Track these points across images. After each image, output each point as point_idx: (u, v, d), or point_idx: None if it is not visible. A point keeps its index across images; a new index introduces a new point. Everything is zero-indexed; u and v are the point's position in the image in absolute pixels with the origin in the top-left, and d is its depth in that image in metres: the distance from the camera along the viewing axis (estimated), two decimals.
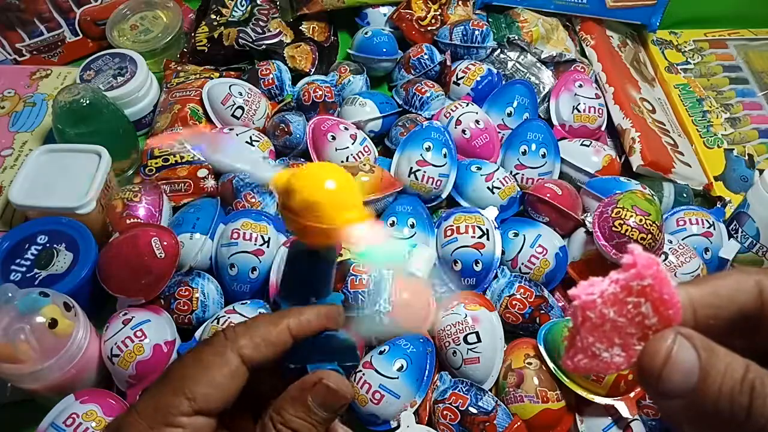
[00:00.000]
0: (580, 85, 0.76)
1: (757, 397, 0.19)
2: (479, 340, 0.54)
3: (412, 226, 0.63)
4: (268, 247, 0.60)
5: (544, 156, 0.69)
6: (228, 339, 0.30)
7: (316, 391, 0.29)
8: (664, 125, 0.78)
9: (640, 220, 0.56)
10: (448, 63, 0.80)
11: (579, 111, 0.75)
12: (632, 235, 0.56)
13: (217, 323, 0.55)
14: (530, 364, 0.54)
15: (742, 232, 0.63)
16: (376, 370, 0.53)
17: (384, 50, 0.82)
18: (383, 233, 0.31)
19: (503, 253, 0.62)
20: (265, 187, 0.64)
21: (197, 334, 0.57)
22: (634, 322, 0.21)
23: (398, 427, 0.52)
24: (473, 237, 0.61)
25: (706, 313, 0.23)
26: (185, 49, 0.85)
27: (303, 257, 0.33)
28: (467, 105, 0.73)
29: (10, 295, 0.48)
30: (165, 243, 0.58)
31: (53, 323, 0.49)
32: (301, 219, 0.30)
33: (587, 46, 0.86)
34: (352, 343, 0.33)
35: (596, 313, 0.21)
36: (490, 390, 0.55)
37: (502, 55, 0.83)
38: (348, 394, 0.30)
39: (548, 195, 0.64)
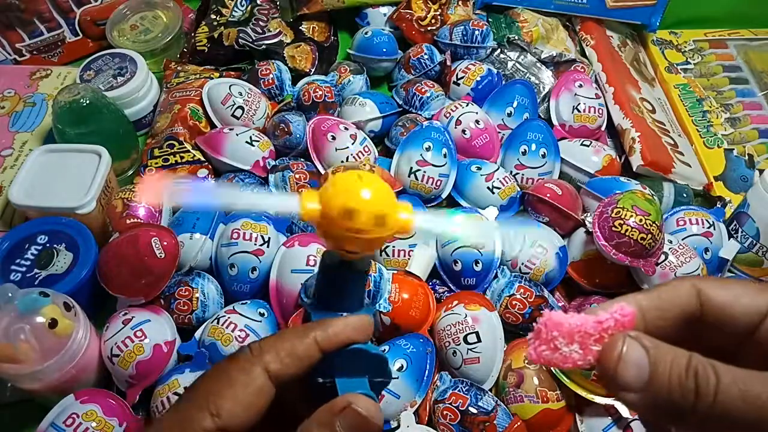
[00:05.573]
0: (580, 85, 0.76)
1: (701, 380, 0.22)
2: (479, 340, 0.54)
3: None
4: (268, 247, 0.59)
5: (544, 156, 0.69)
6: (254, 354, 0.29)
7: (345, 416, 0.28)
8: (664, 125, 0.78)
9: (640, 220, 0.56)
10: (448, 63, 0.80)
11: (579, 111, 0.75)
12: (632, 235, 0.56)
13: (217, 323, 0.55)
14: (530, 364, 0.54)
15: (742, 232, 0.63)
16: None
17: (384, 50, 0.82)
18: (438, 216, 0.30)
19: (503, 253, 0.62)
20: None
21: (197, 334, 0.57)
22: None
23: (398, 427, 0.52)
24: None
25: (653, 316, 0.26)
26: (185, 49, 0.85)
27: (337, 267, 0.32)
28: (467, 105, 0.73)
29: (10, 295, 0.48)
30: (165, 243, 0.58)
31: (53, 323, 0.49)
32: (339, 228, 0.28)
33: (587, 46, 0.86)
34: (383, 358, 0.32)
35: (561, 317, 0.25)
36: (490, 390, 0.55)
37: (502, 55, 0.83)
38: (378, 420, 0.28)
39: (548, 195, 0.64)
